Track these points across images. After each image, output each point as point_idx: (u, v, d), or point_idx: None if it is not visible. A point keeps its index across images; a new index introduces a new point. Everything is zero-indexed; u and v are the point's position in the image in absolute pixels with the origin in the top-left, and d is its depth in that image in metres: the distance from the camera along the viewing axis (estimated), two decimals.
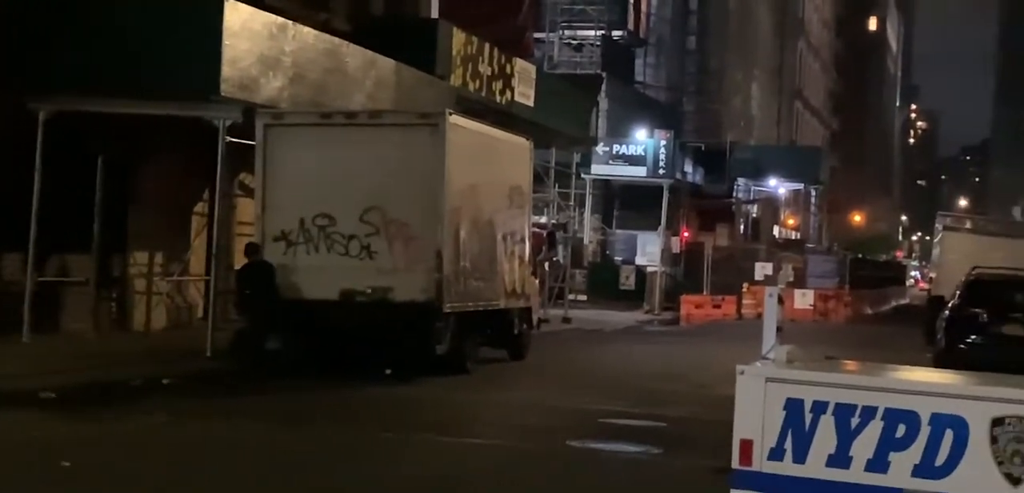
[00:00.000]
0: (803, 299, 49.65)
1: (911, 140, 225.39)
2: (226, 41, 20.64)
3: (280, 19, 22.46)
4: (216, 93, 20.66)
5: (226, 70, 20.64)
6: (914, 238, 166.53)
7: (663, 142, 54.52)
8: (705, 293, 49.99)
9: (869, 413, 7.23)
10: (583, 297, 46.33)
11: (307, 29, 23.31)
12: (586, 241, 52.70)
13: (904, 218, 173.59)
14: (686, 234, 56.22)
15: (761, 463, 7.34)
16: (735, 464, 7.41)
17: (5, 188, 20.41)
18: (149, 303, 25.39)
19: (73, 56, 21.04)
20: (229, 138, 21.24)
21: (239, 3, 21.17)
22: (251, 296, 20.26)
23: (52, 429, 14.16)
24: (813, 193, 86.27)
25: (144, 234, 25.11)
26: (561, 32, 60.48)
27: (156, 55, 20.89)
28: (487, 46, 31.94)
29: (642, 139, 54.76)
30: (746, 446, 7.37)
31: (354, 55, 24.82)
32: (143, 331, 24.74)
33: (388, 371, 19.73)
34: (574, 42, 60.86)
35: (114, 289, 24.53)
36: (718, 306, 47.28)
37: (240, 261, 25.10)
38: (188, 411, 16.05)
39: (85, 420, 14.81)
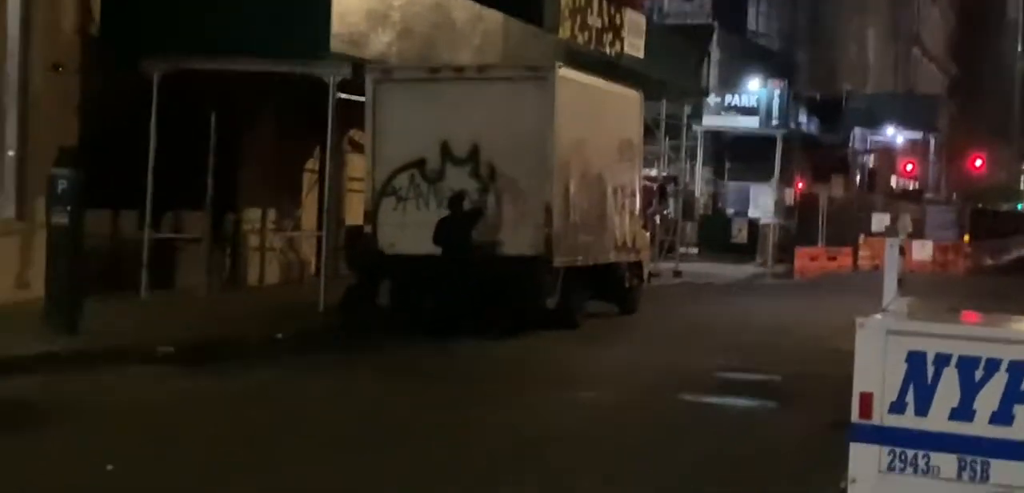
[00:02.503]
0: (922, 250, 48.84)
1: None
2: None
3: None
4: (326, 50, 20.82)
5: (336, 26, 20.79)
6: None
7: (776, 92, 53.88)
8: (820, 245, 49.38)
9: (993, 365, 7.12)
10: (694, 250, 46.01)
11: None
12: (697, 194, 52.31)
13: None
14: (800, 185, 55.56)
15: (882, 417, 7.27)
16: (855, 418, 7.35)
17: (122, 147, 20.80)
18: (262, 259, 25.77)
19: (185, 15, 21.33)
20: (339, 94, 21.42)
21: None
22: (446, 252, 19.89)
23: (172, 385, 14.48)
24: (932, 142, 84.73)
25: (256, 191, 25.46)
26: None
27: (267, 13, 21.10)
28: None
29: (755, 89, 54.15)
30: (866, 399, 7.29)
31: (461, 9, 24.87)
32: (256, 287, 25.12)
33: (498, 327, 19.79)
34: None
35: (228, 246, 24.93)
36: (833, 258, 46.70)
37: (352, 217, 25.40)
38: (299, 367, 16.30)
39: (202, 375, 15.12)
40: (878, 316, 7.54)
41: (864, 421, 7.32)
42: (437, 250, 19.95)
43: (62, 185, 16.13)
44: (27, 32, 19.89)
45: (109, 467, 10.15)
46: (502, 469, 10.75)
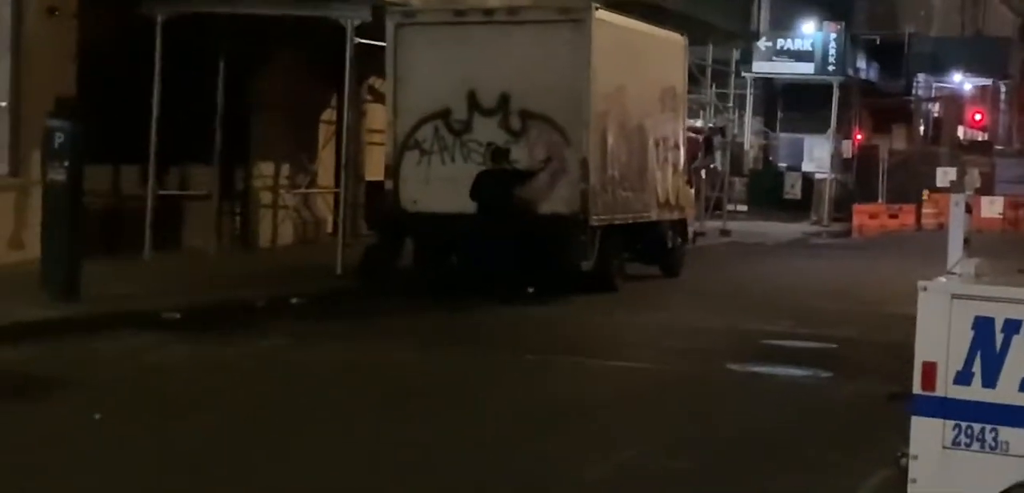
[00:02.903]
0: (991, 207, 48.60)
1: None
2: None
3: None
4: None
5: None
6: None
7: (833, 35, 53.50)
8: (880, 202, 49.20)
9: None
10: (743, 207, 45.91)
11: None
12: (746, 146, 52.13)
13: None
14: (859, 137, 55.28)
15: (946, 387, 7.20)
16: (916, 389, 7.28)
17: (123, 97, 20.83)
18: (275, 218, 25.82)
19: None
20: (358, 39, 21.37)
21: None
22: (483, 207, 19.76)
23: (176, 351, 14.53)
24: (1002, 89, 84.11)
25: (268, 144, 25.49)
26: None
27: None
28: None
29: (809, 32, 53.79)
30: (929, 369, 7.22)
31: None
32: (269, 247, 25.19)
33: (530, 289, 19.78)
34: None
35: (238, 203, 24.99)
36: (894, 216, 46.54)
37: (371, 172, 25.41)
38: (316, 332, 16.34)
39: (209, 342, 15.16)
40: (942, 279, 7.47)
41: (927, 393, 7.25)
42: (464, 208, 19.83)
43: (59, 138, 16.13)
44: None
45: (98, 417, 10.16)
46: (533, 438, 10.74)
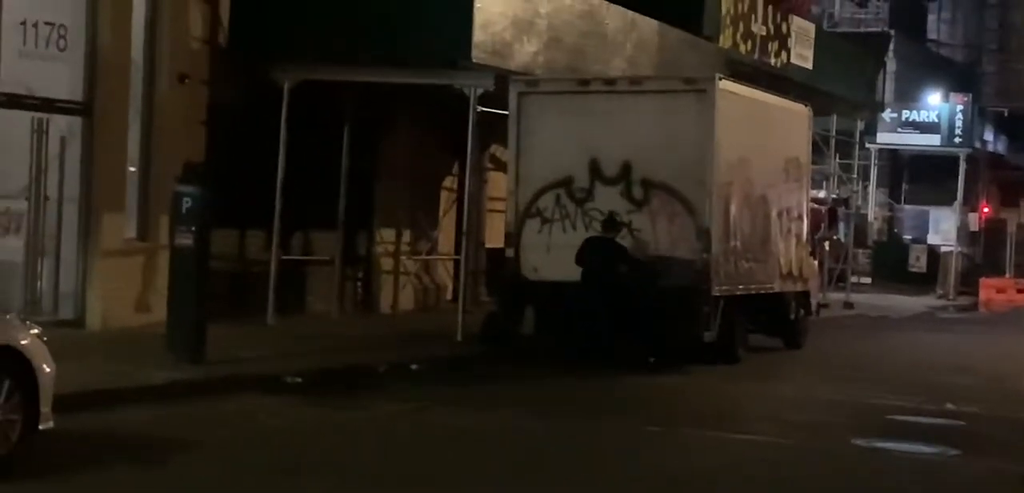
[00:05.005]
0: None
1: None
2: (478, 3, 20.87)
3: None
4: (467, 59, 20.92)
5: (478, 34, 20.87)
6: None
7: (960, 107, 52.78)
8: (1008, 275, 48.30)
9: None
10: (867, 280, 45.36)
11: None
12: (871, 218, 51.52)
13: None
14: (986, 210, 54.38)
15: None
16: None
17: (249, 161, 21.12)
18: (396, 283, 25.96)
19: (317, 22, 21.60)
20: (480, 107, 21.46)
21: None
22: (586, 273, 19.78)
23: (299, 416, 14.63)
24: None
25: (391, 210, 25.68)
26: None
27: (404, 19, 21.26)
28: (760, 3, 31.48)
29: (935, 104, 53.13)
30: None
31: (613, 16, 24.81)
32: (389, 313, 25.32)
33: (652, 359, 19.67)
34: None
35: (360, 268, 25.17)
36: (1022, 290, 45.64)
37: (491, 239, 25.49)
38: (438, 399, 16.35)
39: (331, 407, 15.25)
40: None
41: None
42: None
43: (187, 203, 16.36)
44: (152, 41, 20.30)
45: None
46: None
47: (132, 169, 20.19)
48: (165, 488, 10.86)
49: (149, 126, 20.30)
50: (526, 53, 22.14)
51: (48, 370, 10.88)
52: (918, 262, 48.97)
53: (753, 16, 30.94)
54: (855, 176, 42.81)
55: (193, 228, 16.32)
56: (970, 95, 54.95)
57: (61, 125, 19.06)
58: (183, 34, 20.76)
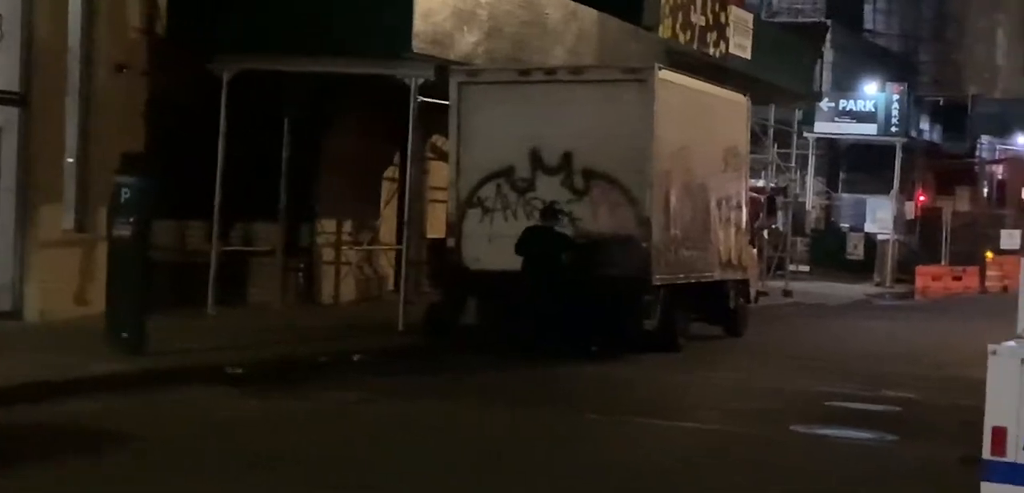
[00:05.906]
0: None
1: None
2: None
3: None
4: (408, 50, 20.90)
5: (418, 24, 20.86)
6: None
7: (896, 96, 53.29)
8: (943, 264, 48.82)
9: None
10: (805, 268, 45.69)
11: None
12: (809, 207, 51.90)
13: None
14: (922, 198, 54.96)
15: (1016, 453, 7.14)
16: (986, 454, 7.22)
17: (188, 154, 21.03)
18: (338, 274, 25.92)
19: (257, 12, 21.55)
20: (421, 98, 21.49)
21: None
22: (527, 263, 19.69)
23: (241, 407, 14.59)
24: None
25: (332, 200, 25.63)
26: None
27: (344, 9, 21.26)
28: None
29: (872, 93, 53.62)
30: (999, 434, 7.17)
31: (554, 6, 24.86)
32: (331, 303, 25.28)
33: (594, 349, 19.75)
34: None
35: (301, 259, 25.11)
36: (958, 278, 46.14)
37: (433, 230, 25.48)
38: (381, 389, 16.35)
39: (273, 398, 15.21)
40: (1012, 343, 7.41)
41: (997, 458, 7.19)
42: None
43: (126, 194, 16.26)
44: (90, 30, 20.15)
45: None
46: None
47: (70, 160, 20.04)
48: (118, 480, 10.79)
49: (87, 116, 20.15)
50: (467, 43, 22.15)
51: None
52: (856, 250, 49.41)
53: (692, 6, 31.06)
54: (793, 165, 43.11)
55: (132, 219, 16.22)
56: (906, 84, 55.50)
57: None
58: (121, 23, 20.65)
